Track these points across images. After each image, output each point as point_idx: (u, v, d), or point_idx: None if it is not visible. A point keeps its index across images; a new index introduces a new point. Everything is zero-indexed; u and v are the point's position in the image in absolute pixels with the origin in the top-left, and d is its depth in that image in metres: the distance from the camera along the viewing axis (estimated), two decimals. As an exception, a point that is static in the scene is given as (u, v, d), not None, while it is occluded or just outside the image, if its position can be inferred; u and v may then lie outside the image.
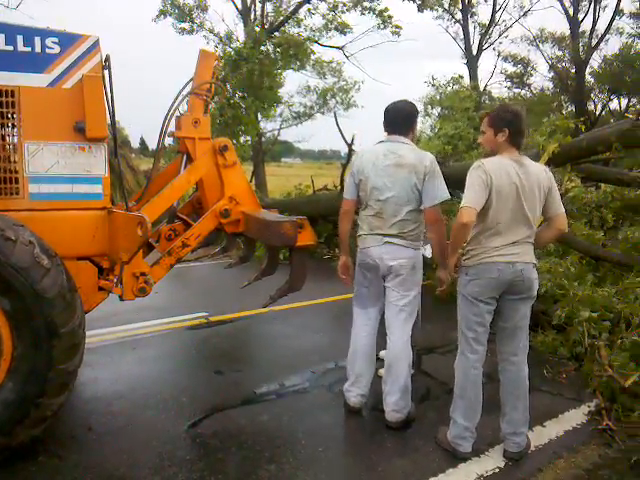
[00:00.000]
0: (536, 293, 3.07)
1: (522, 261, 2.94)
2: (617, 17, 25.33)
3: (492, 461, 3.09)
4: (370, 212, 3.38)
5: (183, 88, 3.90)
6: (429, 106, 20.12)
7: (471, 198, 2.83)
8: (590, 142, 5.54)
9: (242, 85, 8.38)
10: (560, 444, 3.32)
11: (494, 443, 3.23)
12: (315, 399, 3.92)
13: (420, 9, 10.00)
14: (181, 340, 5.18)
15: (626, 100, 24.29)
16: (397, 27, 9.10)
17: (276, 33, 9.17)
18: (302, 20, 10.24)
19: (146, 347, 4.86)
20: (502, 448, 3.16)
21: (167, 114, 3.76)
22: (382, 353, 3.87)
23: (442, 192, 3.27)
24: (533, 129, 6.28)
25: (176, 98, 3.81)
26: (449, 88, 14.97)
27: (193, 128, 3.93)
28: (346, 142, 7.66)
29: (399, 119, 3.42)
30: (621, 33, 26.38)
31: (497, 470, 3.01)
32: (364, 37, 13.83)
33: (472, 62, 26.83)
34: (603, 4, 25.05)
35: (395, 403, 3.38)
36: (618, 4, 24.46)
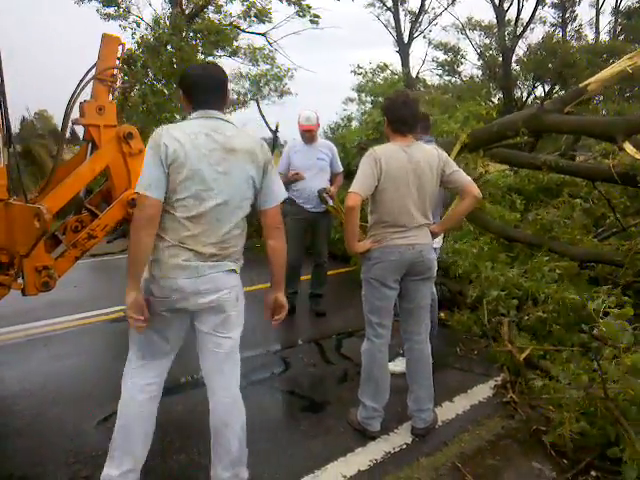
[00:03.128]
0: (435, 273, 3.19)
1: (421, 242, 3.04)
2: (540, 7, 26.43)
3: (400, 438, 3.19)
4: (182, 216, 2.27)
5: (86, 74, 3.76)
6: (362, 94, 20.34)
7: (358, 184, 2.92)
8: (500, 128, 5.75)
9: (164, 72, 8.17)
10: (466, 418, 3.47)
11: (403, 420, 3.33)
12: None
13: (337, -4, 10.06)
14: (99, 334, 5.04)
15: (549, 87, 25.27)
16: (316, 16, 9.13)
17: (197, 19, 9.01)
18: (222, 6, 10.10)
19: (60, 343, 4.70)
20: (410, 425, 3.26)
21: (69, 101, 3.62)
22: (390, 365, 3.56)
23: (282, 187, 2.51)
24: (448, 115, 6.47)
25: (79, 85, 3.67)
26: (377, 76, 15.13)
27: (97, 115, 3.78)
28: (270, 130, 7.64)
29: (212, 88, 2.38)
30: (544, 22, 27.56)
31: (404, 446, 3.12)
32: (288, 24, 13.88)
33: (404, 50, 27.30)
34: (526, -7, 26.03)
35: None
36: (540, -6, 25.47)
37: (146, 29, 10.77)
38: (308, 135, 5.19)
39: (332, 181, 5.29)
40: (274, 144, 7.66)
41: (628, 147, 4.88)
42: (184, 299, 2.31)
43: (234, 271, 2.41)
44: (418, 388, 3.21)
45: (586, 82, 5.61)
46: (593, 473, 2.89)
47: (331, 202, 4.92)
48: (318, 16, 9.21)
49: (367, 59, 43.44)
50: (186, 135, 2.25)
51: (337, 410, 3.50)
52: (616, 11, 27.34)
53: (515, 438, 3.26)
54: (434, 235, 3.22)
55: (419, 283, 3.11)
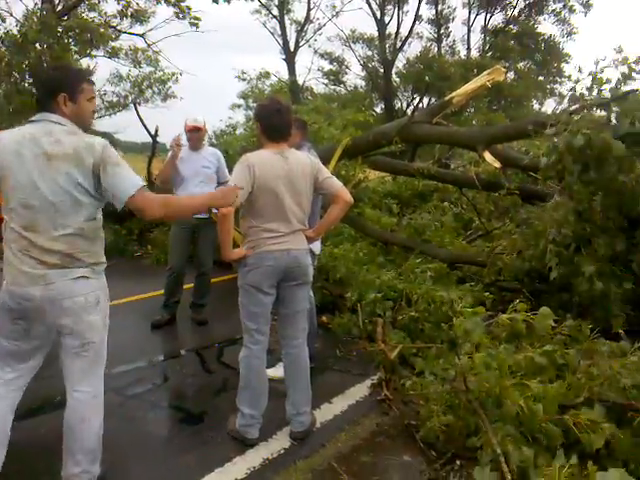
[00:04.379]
0: (311, 278, 3.26)
1: (296, 248, 3.09)
2: (417, 22, 27.92)
3: (279, 443, 3.21)
4: (17, 225, 2.24)
5: None
6: (248, 100, 20.36)
7: None
8: (376, 136, 6.02)
9: (32, 70, 7.64)
10: (344, 418, 3.56)
11: (282, 425, 3.35)
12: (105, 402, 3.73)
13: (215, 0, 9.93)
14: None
15: (427, 99, 26.77)
16: (196, 18, 8.98)
17: (70, 17, 8.51)
18: (96, 5, 9.62)
19: None
20: (289, 429, 3.30)
21: None
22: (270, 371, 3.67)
23: (135, 179, 2.32)
24: (328, 123, 6.67)
25: None
26: (261, 83, 15.23)
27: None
28: (150, 134, 7.39)
29: (41, 88, 2.38)
30: (421, 37, 29.14)
31: (282, 451, 3.13)
32: (167, 26, 13.45)
33: (290, 58, 27.61)
34: (405, 9, 27.44)
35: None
36: (418, 10, 26.95)
37: (16, 26, 10.00)
38: (195, 136, 5.09)
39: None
40: (153, 148, 7.43)
41: (487, 156, 5.30)
42: (36, 307, 2.27)
43: (85, 277, 2.34)
44: (295, 392, 3.25)
45: (451, 95, 6.02)
46: (458, 462, 3.08)
47: (215, 210, 4.82)
48: (198, 18, 9.06)
49: (255, 65, 43.56)
50: (13, 141, 2.22)
51: (215, 420, 3.46)
52: (485, 30, 29.56)
53: (389, 434, 3.40)
54: (309, 240, 3.28)
55: (295, 288, 3.16)
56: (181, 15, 9.15)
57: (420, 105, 26.26)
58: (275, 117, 3.07)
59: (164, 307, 5.28)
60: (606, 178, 4.25)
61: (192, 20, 9.16)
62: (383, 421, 3.55)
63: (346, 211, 3.35)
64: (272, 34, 27.47)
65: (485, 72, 6.07)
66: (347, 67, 29.62)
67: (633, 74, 4.45)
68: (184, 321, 5.37)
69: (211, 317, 5.44)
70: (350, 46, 28.67)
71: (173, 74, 15.92)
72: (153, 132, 7.30)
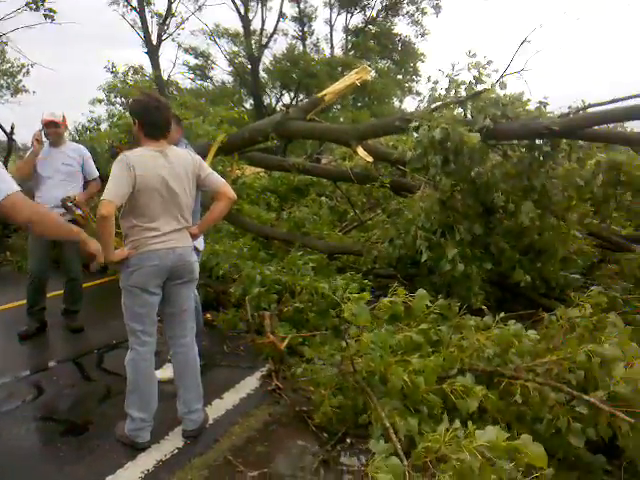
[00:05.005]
0: (197, 275, 3.24)
1: (181, 246, 3.06)
2: (282, 19, 28.23)
3: (171, 443, 3.16)
4: None
5: None
6: (111, 95, 19.26)
7: (111, 191, 2.81)
8: (252, 133, 6.06)
9: None
10: (236, 412, 3.59)
11: (174, 426, 3.31)
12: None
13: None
14: None
15: (294, 95, 27.19)
16: (51, 10, 8.35)
17: None
18: None
19: None
20: (181, 429, 3.26)
21: None
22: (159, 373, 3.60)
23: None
24: (203, 119, 6.58)
25: None
26: (131, 77, 14.50)
27: None
28: (4, 132, 6.79)
29: None
30: (286, 34, 29.51)
31: (176, 451, 3.10)
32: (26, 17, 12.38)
33: (153, 52, 26.57)
34: (269, 5, 27.60)
35: None
36: (281, 7, 27.26)
37: None
38: (53, 131, 4.76)
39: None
40: (9, 147, 6.83)
41: (360, 151, 5.58)
42: None
43: None
44: (186, 391, 3.22)
45: (323, 92, 6.23)
46: (349, 440, 3.26)
47: (79, 211, 4.56)
48: (53, 10, 8.42)
49: (121, 59, 41.32)
50: None
51: (102, 428, 3.32)
52: (346, 29, 30.64)
53: (281, 422, 3.49)
54: (193, 237, 3.26)
55: (181, 286, 3.13)
56: (33, 6, 8.44)
57: (289, 102, 26.62)
58: (155, 113, 3.00)
59: (29, 316, 4.91)
60: (463, 169, 4.68)
61: (46, 12, 8.49)
62: (275, 410, 3.63)
63: (230, 207, 3.37)
64: (132, 27, 26.23)
65: (353, 71, 6.36)
66: (213, 62, 29.20)
67: (483, 77, 4.92)
68: (57, 329, 5.04)
69: (86, 323, 5.16)
70: (215, 41, 28.28)
71: (23, 65, 14.64)
72: (9, 130, 6.70)
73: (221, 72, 29.50)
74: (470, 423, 2.28)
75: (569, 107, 5.51)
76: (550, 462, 2.67)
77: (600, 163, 5.09)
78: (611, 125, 5.87)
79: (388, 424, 2.81)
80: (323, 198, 7.41)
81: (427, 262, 4.99)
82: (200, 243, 3.92)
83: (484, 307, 4.42)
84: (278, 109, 26.36)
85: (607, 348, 2.95)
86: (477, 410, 3.00)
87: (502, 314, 3.68)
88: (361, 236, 6.71)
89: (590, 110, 5.20)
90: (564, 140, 4.84)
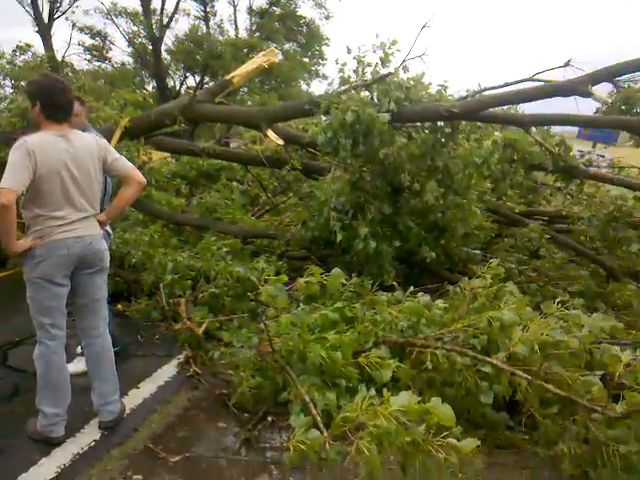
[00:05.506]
0: (108, 264, 3.14)
1: (89, 234, 2.95)
2: (182, -1, 27.28)
3: (88, 436, 3.08)
4: None
5: None
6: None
7: (10, 179, 2.64)
8: (158, 116, 5.88)
9: None
10: (154, 400, 3.54)
11: (90, 418, 3.22)
12: None
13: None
14: None
15: (200, 77, 26.52)
16: None
17: None
18: None
19: None
20: (97, 420, 3.18)
21: None
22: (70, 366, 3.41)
23: None
24: (104, 102, 6.30)
25: None
26: (18, 58, 13.48)
27: None
28: None
29: None
30: (188, 14, 28.60)
31: (93, 443, 3.02)
32: None
33: (45, 31, 24.89)
34: (168, -17, 26.51)
35: None
36: (180, -14, 26.32)
37: None
38: None
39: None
40: None
41: (271, 134, 5.58)
42: None
43: None
44: (102, 382, 3.14)
45: (231, 75, 6.16)
46: (269, 418, 3.32)
47: None
48: None
49: (3, 39, 38.24)
50: None
51: (12, 427, 3.16)
52: (250, 10, 30.16)
53: (201, 407, 3.50)
54: (102, 224, 3.15)
55: (92, 276, 3.02)
56: None
57: (194, 85, 25.94)
58: (58, 96, 2.85)
59: None
60: (372, 151, 4.83)
61: None
62: (194, 396, 3.63)
63: (139, 192, 3.28)
64: (20, 3, 24.38)
65: (261, 53, 6.33)
66: (111, 42, 27.78)
67: (390, 58, 5.07)
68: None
69: (-16, 321, 4.84)
70: (113, 20, 26.89)
71: None
72: None
73: (121, 53, 28.09)
74: (385, 391, 2.40)
75: (467, 90, 5.82)
76: (459, 422, 2.90)
77: (496, 142, 5.44)
78: (505, 107, 6.28)
79: (307, 399, 2.90)
80: (234, 183, 7.36)
81: (340, 242, 5.13)
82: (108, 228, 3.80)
83: (395, 283, 4.62)
84: (183, 92, 25.66)
85: (506, 314, 3.20)
86: (392, 380, 3.17)
87: (411, 288, 3.88)
88: (274, 220, 6.74)
89: (486, 93, 5.52)
90: (463, 122, 5.12)
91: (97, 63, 27.98)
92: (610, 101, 4.35)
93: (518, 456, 3.04)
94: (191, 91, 5.93)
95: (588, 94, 4.02)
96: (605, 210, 4.94)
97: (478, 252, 5.88)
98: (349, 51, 5.11)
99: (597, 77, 4.19)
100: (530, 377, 2.81)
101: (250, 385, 3.37)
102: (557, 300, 3.16)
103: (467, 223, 5.64)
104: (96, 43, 27.58)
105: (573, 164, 5.54)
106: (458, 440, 2.29)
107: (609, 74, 4.20)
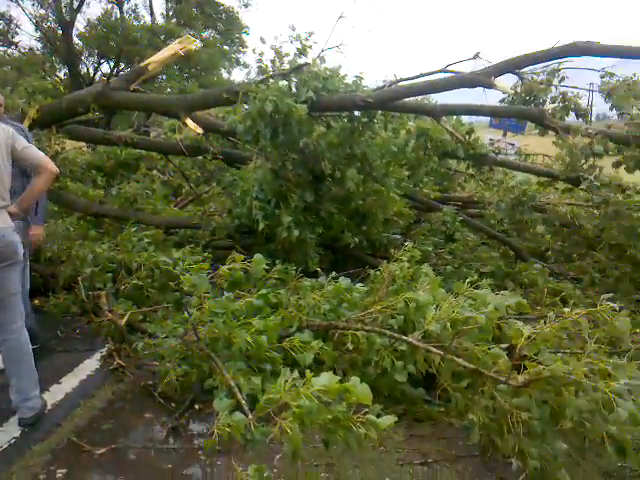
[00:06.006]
0: (22, 257, 3.05)
1: (1, 226, 2.85)
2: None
3: (7, 435, 2.99)
4: None
5: None
6: None
7: None
8: (70, 104, 5.65)
9: None
10: (77, 394, 3.49)
11: (8, 416, 3.13)
12: None
13: None
14: None
15: (114, 64, 25.48)
16: None
17: None
18: None
19: None
20: (17, 418, 3.09)
21: None
22: None
23: None
24: (10, 89, 5.98)
25: None
26: None
27: None
28: None
29: None
30: (100, -1, 27.32)
31: (14, 440, 2.95)
32: None
33: (-61, 11, 23.03)
34: (79, -34, 25.19)
35: None
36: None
37: None
38: None
39: None
40: None
41: (190, 122, 5.52)
42: None
43: None
44: (20, 379, 3.05)
45: (146, 62, 6.01)
46: (197, 406, 3.35)
47: None
48: None
49: None
50: None
51: None
52: (166, -5, 29.19)
53: (127, 399, 3.47)
54: (12, 216, 3.04)
55: (6, 269, 2.92)
56: None
57: (109, 72, 24.90)
58: None
59: None
60: (292, 140, 4.91)
61: None
62: (119, 388, 3.59)
63: (51, 182, 3.19)
64: None
65: (177, 40, 6.22)
66: (17, 26, 26.08)
67: (307, 49, 5.15)
68: None
69: None
70: (18, 2, 25.24)
71: None
72: None
73: (28, 38, 26.43)
74: (307, 372, 2.50)
75: (384, 81, 6.00)
76: (380, 399, 3.06)
77: (410, 131, 5.66)
78: (419, 97, 6.53)
79: (232, 384, 2.95)
80: (155, 172, 7.21)
81: (264, 231, 5.18)
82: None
83: (319, 269, 4.74)
84: (98, 79, 24.57)
85: (421, 294, 3.39)
86: (316, 362, 3.28)
87: (333, 273, 4.01)
88: (198, 210, 6.67)
89: (401, 84, 5.72)
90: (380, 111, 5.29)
91: (2, 48, 26.23)
92: (512, 92, 4.65)
93: (435, 427, 3.25)
94: (104, 78, 5.74)
95: (491, 85, 4.29)
96: (512, 195, 5.28)
97: (398, 237, 6.12)
98: (263, 41, 5.15)
99: (499, 69, 4.47)
100: (443, 353, 3.00)
101: (176, 374, 3.38)
102: (467, 280, 3.37)
103: (387, 209, 5.86)
104: (0, 27, 25.83)
105: (482, 152, 5.87)
106: (378, 416, 2.42)
107: (510, 66, 4.49)
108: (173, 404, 3.36)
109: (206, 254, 5.14)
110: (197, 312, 3.53)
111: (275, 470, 2.76)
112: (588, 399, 2.33)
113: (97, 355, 4.04)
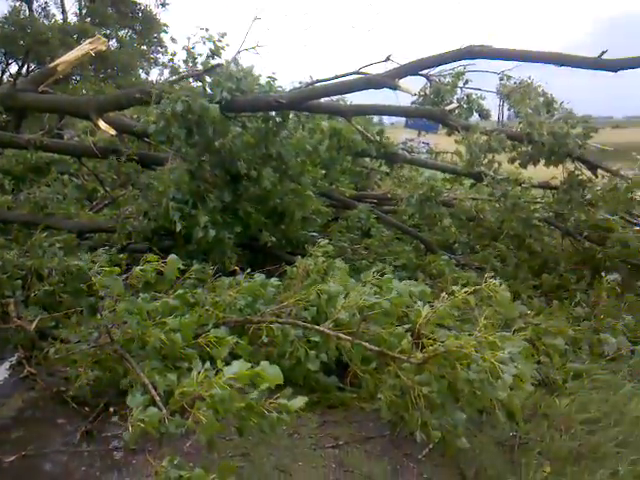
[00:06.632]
0: None
1: None
2: (-1, -23, 24.70)
3: None
4: None
5: None
6: None
7: None
8: (-29, 106, 5.42)
9: None
10: (-15, 405, 3.38)
11: None
12: None
13: None
14: None
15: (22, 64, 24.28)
16: None
17: None
18: None
19: None
20: None
21: None
22: None
23: None
24: None
25: None
26: None
27: None
28: None
29: None
30: (6, -5, 25.93)
31: None
32: None
33: None
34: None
35: None
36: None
37: None
38: None
39: None
40: None
41: (102, 124, 5.43)
42: None
43: None
44: None
45: (55, 62, 5.86)
46: (111, 409, 3.33)
47: None
48: None
49: None
50: None
51: None
52: (80, -7, 28.10)
53: (38, 406, 3.41)
54: None
55: None
56: None
57: (19, 71, 23.68)
58: None
59: None
60: (207, 140, 4.94)
61: None
62: (30, 396, 3.52)
63: None
64: None
65: (87, 41, 6.09)
66: None
67: (221, 50, 5.19)
68: None
69: None
70: None
71: None
72: None
73: None
74: (219, 362, 2.57)
75: (300, 82, 6.15)
76: (295, 389, 3.17)
77: (323, 131, 5.83)
78: (335, 98, 6.72)
79: (147, 381, 2.97)
80: (66, 176, 6.99)
81: (182, 232, 5.17)
82: None
83: (237, 268, 4.80)
84: (6, 80, 23.32)
85: (332, 286, 3.54)
86: (233, 357, 3.35)
87: (249, 270, 4.09)
88: (114, 213, 6.53)
89: (316, 85, 5.89)
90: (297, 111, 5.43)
91: None
92: (414, 93, 4.91)
93: (347, 412, 3.41)
94: (11, 79, 5.54)
95: (395, 86, 4.51)
96: (420, 191, 5.56)
97: (316, 235, 6.27)
98: (174, 41, 5.16)
99: (403, 71, 4.71)
100: (352, 338, 3.16)
101: (89, 378, 3.34)
102: (373, 270, 3.55)
103: (304, 208, 5.99)
104: None
105: (392, 150, 6.13)
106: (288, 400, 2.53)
107: (413, 68, 4.74)
108: (87, 408, 3.32)
109: (122, 257, 5.06)
110: (110, 314, 3.51)
111: (191, 464, 2.81)
112: (477, 370, 2.55)
113: (7, 364, 3.91)
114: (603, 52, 4.34)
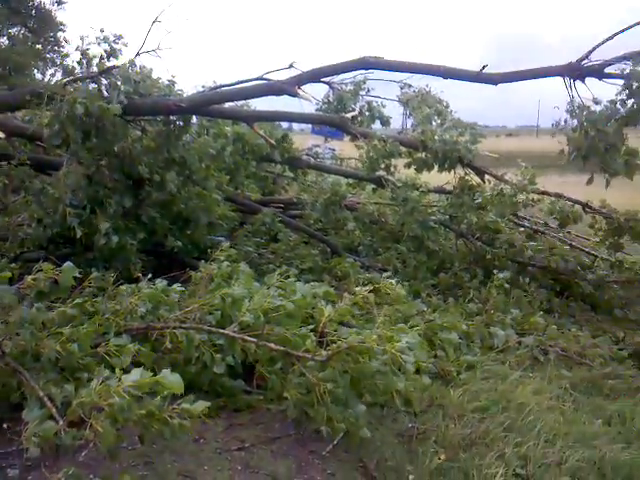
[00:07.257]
0: None
1: None
2: None
3: None
4: None
5: None
6: None
7: None
8: None
9: None
10: None
11: None
12: None
13: None
14: None
15: None
16: None
17: None
18: None
19: None
20: None
21: None
22: None
23: None
24: None
25: None
26: None
27: None
28: None
29: None
30: None
31: None
32: None
33: None
34: None
35: None
36: None
37: None
38: None
39: None
40: None
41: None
42: None
43: None
44: None
45: None
46: (5, 425, 3.15)
47: None
48: None
49: None
50: None
51: None
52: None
53: None
54: None
55: None
56: None
57: None
58: None
59: None
60: (106, 144, 4.80)
61: None
62: None
63: None
64: None
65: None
66: None
67: (117, 52, 5.05)
68: None
69: None
70: None
71: None
72: None
73: None
74: (119, 371, 2.53)
75: (203, 86, 6.11)
76: (200, 395, 3.16)
77: (227, 136, 5.83)
78: (240, 103, 6.74)
79: (42, 394, 2.85)
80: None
81: (82, 239, 4.97)
82: None
83: (140, 275, 4.68)
84: None
85: (236, 289, 3.57)
86: (136, 366, 3.28)
87: (150, 276, 4.02)
88: (6, 221, 6.14)
89: (219, 90, 5.88)
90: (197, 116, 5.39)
91: None
92: (313, 100, 5.04)
93: (253, 415, 3.45)
94: None
95: (295, 94, 4.62)
96: (325, 195, 5.71)
97: (223, 239, 6.25)
98: (67, 41, 4.97)
99: (303, 78, 4.82)
100: (257, 340, 3.20)
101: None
102: (277, 273, 3.62)
103: (210, 213, 5.95)
104: None
105: (295, 156, 6.25)
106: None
107: (312, 76, 4.87)
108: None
109: (14, 266, 4.79)
110: (1, 325, 3.32)
111: (91, 475, 2.73)
112: (379, 362, 2.69)
113: None
114: (484, 66, 4.68)
